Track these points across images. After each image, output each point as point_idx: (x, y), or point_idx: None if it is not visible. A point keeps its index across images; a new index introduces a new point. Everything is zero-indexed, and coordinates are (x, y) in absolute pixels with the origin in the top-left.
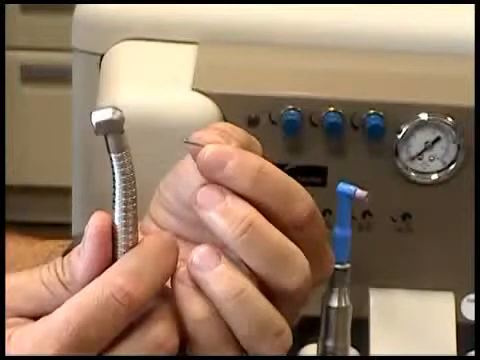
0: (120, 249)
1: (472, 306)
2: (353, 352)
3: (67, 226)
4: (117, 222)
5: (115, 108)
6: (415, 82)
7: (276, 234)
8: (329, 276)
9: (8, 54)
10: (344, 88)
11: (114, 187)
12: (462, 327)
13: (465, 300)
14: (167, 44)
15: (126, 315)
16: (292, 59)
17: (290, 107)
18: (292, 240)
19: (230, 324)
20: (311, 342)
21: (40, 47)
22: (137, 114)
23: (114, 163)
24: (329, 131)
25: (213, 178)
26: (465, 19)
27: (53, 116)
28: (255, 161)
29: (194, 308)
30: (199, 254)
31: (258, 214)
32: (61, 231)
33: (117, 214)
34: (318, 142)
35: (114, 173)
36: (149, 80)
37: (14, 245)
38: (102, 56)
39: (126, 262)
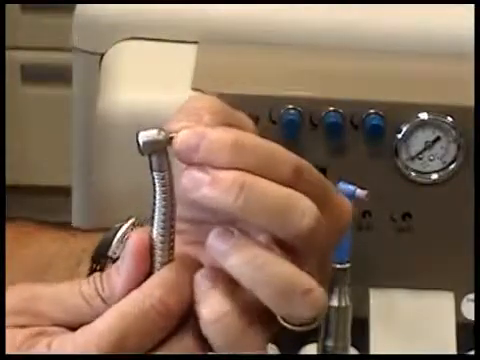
0: (156, 264)
1: (472, 306)
2: (353, 352)
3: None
4: (155, 238)
5: (161, 129)
6: (415, 82)
7: (270, 186)
8: (349, 224)
9: (8, 54)
10: (344, 88)
11: (154, 204)
12: (462, 327)
13: (465, 300)
14: (167, 44)
15: (164, 326)
16: (292, 59)
17: (290, 107)
18: None
19: (255, 293)
20: (311, 342)
21: (40, 47)
22: (137, 114)
23: (156, 181)
24: (329, 131)
25: (192, 162)
26: (465, 19)
27: (53, 116)
28: (228, 135)
29: (204, 311)
30: (213, 234)
31: (245, 174)
32: None
33: (155, 231)
34: (318, 142)
35: (155, 190)
36: (149, 80)
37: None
38: (102, 56)
39: (166, 275)
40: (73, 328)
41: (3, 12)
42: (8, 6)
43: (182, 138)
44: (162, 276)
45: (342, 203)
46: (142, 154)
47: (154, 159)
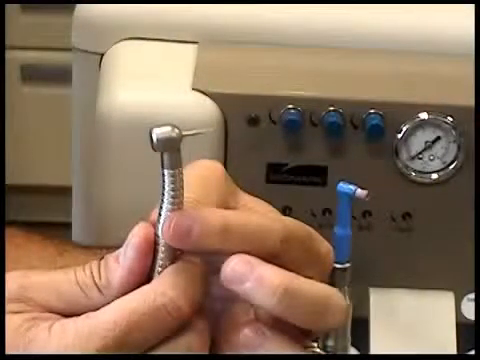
0: (159, 261)
1: (472, 305)
2: (353, 352)
3: (67, 226)
4: (160, 235)
5: (174, 126)
6: (415, 82)
7: (311, 289)
8: (332, 259)
9: (8, 54)
10: (344, 88)
11: (162, 201)
12: (462, 327)
13: (465, 300)
14: (167, 44)
15: (171, 326)
16: (292, 59)
17: (290, 107)
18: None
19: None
20: (311, 341)
21: (40, 47)
22: (137, 114)
23: (166, 179)
24: (329, 131)
25: (187, 249)
26: (465, 19)
27: (53, 116)
28: (216, 220)
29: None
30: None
31: (291, 277)
32: (61, 231)
33: (161, 228)
34: (318, 142)
35: (164, 188)
36: (149, 80)
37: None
38: (102, 55)
39: (177, 276)
40: (67, 316)
41: (3, 12)
42: (8, 6)
43: (169, 235)
44: (175, 277)
45: (324, 243)
46: (155, 151)
47: (166, 156)
